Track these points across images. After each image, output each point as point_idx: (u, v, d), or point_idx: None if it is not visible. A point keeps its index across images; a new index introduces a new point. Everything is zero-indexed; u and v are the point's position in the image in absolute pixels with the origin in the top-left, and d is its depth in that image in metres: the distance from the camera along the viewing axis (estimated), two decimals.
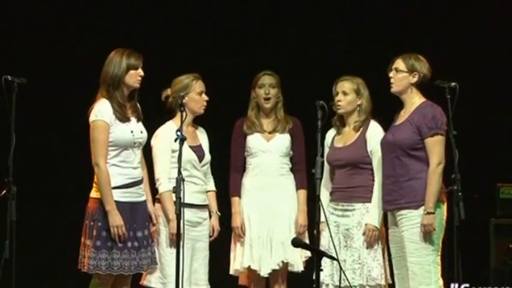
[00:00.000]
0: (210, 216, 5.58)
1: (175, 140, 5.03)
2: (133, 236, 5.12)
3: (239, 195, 5.74)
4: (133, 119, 5.20)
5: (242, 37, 7.21)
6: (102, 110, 5.09)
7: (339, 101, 5.50)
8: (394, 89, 5.30)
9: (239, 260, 5.67)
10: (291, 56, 7.13)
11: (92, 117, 5.10)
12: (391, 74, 5.30)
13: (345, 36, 7.23)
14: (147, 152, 5.41)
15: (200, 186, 5.51)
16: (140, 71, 5.19)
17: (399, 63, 5.28)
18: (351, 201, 5.44)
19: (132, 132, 5.15)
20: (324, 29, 7.28)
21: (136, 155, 5.19)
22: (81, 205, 5.19)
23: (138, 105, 5.28)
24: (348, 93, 5.51)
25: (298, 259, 5.66)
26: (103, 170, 5.04)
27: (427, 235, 5.13)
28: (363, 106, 5.51)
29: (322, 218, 5.13)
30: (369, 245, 5.38)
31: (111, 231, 5.03)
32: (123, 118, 5.13)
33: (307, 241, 5.61)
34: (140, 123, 5.25)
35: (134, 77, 5.18)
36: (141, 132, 5.22)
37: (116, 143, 5.11)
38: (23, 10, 7.07)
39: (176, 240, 5.02)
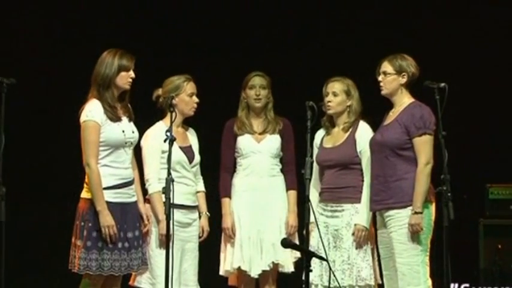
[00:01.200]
0: (200, 217, 5.59)
1: (165, 141, 5.03)
2: (123, 237, 5.11)
3: (229, 196, 5.74)
4: (124, 119, 5.19)
5: (233, 38, 7.22)
6: (92, 110, 5.08)
7: (329, 101, 5.51)
8: (385, 91, 5.31)
9: (229, 261, 5.67)
10: (281, 57, 7.13)
11: (82, 118, 5.09)
12: (379, 78, 5.30)
13: (335, 36, 7.24)
14: (138, 152, 5.40)
15: (190, 187, 5.51)
16: (131, 73, 5.18)
17: (386, 66, 5.29)
18: (340, 202, 5.46)
19: (123, 131, 5.14)
20: (314, 29, 7.28)
21: (128, 155, 5.19)
22: (72, 205, 5.19)
23: (130, 106, 5.27)
24: (338, 94, 5.52)
25: (288, 260, 5.66)
26: (94, 170, 5.04)
27: (415, 235, 5.14)
28: (352, 107, 5.53)
29: (312, 219, 5.13)
30: (358, 246, 5.39)
31: (102, 232, 5.02)
32: (114, 118, 5.12)
33: (297, 242, 5.62)
34: (132, 123, 5.24)
35: (125, 79, 5.17)
36: (133, 132, 5.22)
37: (107, 142, 5.10)
38: (13, 11, 7.06)
39: (166, 241, 5.02)
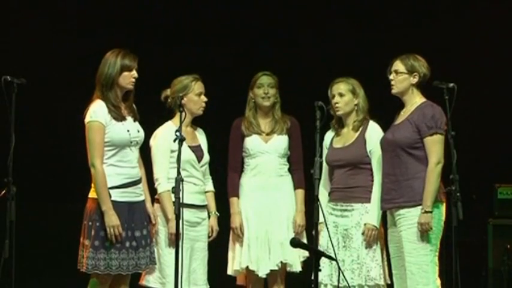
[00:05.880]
0: (209, 217, 5.59)
1: (175, 140, 5.04)
2: (131, 236, 5.12)
3: (237, 196, 5.75)
4: (129, 118, 5.19)
5: (241, 38, 7.22)
6: (96, 111, 5.08)
7: (336, 103, 5.52)
8: (395, 90, 5.32)
9: (237, 260, 5.68)
10: (289, 56, 7.14)
11: (87, 118, 5.10)
12: (391, 77, 5.31)
13: (343, 36, 7.24)
14: (146, 152, 5.41)
15: (199, 186, 5.52)
16: (134, 73, 5.17)
17: (398, 65, 5.29)
18: (349, 202, 5.46)
19: (128, 131, 5.14)
20: (322, 29, 7.29)
21: (134, 154, 5.19)
22: (80, 205, 5.19)
23: (134, 106, 5.27)
24: (344, 95, 5.53)
25: (296, 259, 5.66)
26: (99, 171, 5.04)
27: (425, 235, 5.14)
28: (360, 105, 5.54)
29: (321, 219, 5.14)
30: (368, 245, 5.40)
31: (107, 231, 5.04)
32: (119, 117, 5.12)
33: (305, 241, 5.62)
34: (137, 123, 5.24)
35: (128, 79, 5.16)
36: (138, 131, 5.22)
37: (112, 142, 5.10)
38: (23, 10, 7.08)
39: (175, 241, 5.03)
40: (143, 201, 5.26)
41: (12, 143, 4.87)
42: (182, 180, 4.96)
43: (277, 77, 5.80)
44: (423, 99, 5.30)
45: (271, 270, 5.64)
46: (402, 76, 5.29)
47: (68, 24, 7.14)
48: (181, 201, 4.94)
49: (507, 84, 7.15)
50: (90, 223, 5.07)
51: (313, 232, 5.16)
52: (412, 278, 5.17)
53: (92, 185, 5.11)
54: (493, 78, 7.14)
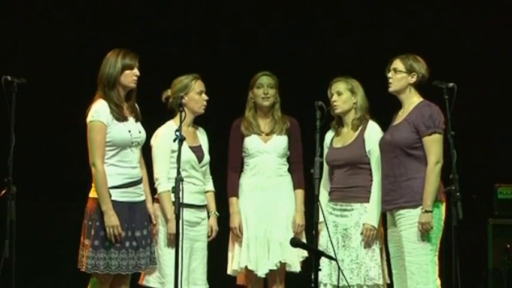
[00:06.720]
0: (209, 216, 5.60)
1: (175, 140, 5.04)
2: (131, 236, 5.12)
3: (237, 196, 5.75)
4: (131, 119, 5.20)
5: (241, 37, 7.22)
6: (98, 110, 5.09)
7: (334, 101, 5.53)
8: (392, 88, 5.33)
9: (237, 260, 5.69)
10: (289, 56, 7.14)
11: (88, 118, 5.10)
12: (389, 75, 5.32)
13: (343, 36, 7.24)
14: (147, 151, 5.42)
15: (199, 186, 5.52)
16: (136, 71, 5.19)
17: (398, 64, 5.31)
18: (349, 201, 5.46)
19: (129, 131, 5.15)
20: (321, 29, 7.29)
21: (135, 155, 5.19)
22: (81, 205, 5.20)
23: (137, 105, 5.28)
24: (342, 93, 5.54)
25: (295, 259, 5.67)
26: (100, 171, 5.05)
27: (425, 234, 5.14)
28: (358, 104, 5.54)
29: (321, 218, 5.14)
30: (367, 245, 5.40)
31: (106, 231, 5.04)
32: (121, 117, 5.13)
33: (304, 241, 5.62)
34: (139, 123, 5.25)
35: (129, 77, 5.17)
36: (140, 132, 5.23)
37: (113, 142, 5.11)
38: (23, 10, 7.08)
39: (175, 240, 5.03)
40: (144, 201, 5.27)
41: (12, 143, 4.88)
42: (182, 180, 4.97)
43: (277, 77, 5.81)
44: (420, 99, 5.31)
45: (270, 270, 5.64)
46: (400, 75, 5.30)
47: (68, 23, 7.13)
48: (181, 201, 4.95)
49: (507, 84, 7.15)
50: (90, 223, 5.08)
51: (313, 232, 5.16)
52: (412, 278, 5.17)
53: (93, 184, 5.12)
54: (493, 78, 7.14)
